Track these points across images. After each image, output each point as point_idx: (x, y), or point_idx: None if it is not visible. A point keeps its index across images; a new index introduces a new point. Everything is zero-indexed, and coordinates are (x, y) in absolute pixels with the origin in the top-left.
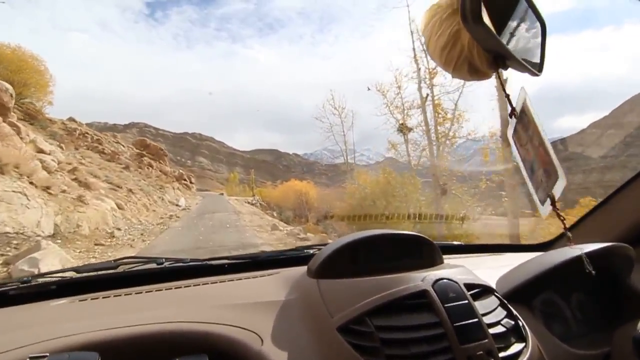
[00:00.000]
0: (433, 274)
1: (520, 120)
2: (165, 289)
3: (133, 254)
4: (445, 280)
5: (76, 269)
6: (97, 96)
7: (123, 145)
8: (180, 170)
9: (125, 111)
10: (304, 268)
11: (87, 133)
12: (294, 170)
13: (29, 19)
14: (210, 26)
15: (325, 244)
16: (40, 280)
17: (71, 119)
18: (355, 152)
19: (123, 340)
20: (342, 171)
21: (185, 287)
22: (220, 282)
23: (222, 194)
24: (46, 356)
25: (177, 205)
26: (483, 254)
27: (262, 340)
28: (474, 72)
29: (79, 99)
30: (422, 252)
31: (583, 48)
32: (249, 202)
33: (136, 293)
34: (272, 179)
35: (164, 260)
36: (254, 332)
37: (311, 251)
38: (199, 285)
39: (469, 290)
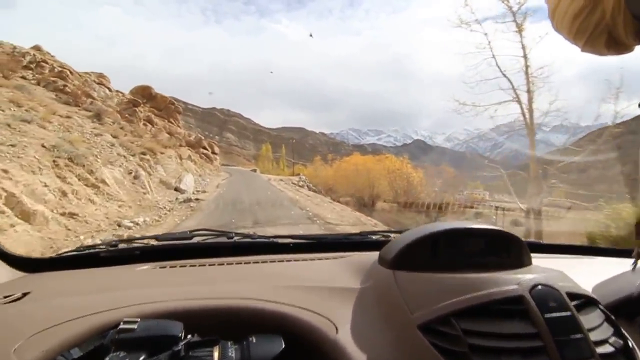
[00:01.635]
0: (529, 277)
1: None
2: (236, 263)
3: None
4: (543, 287)
5: (156, 237)
6: (127, 70)
7: (110, 90)
8: (200, 136)
9: (155, 85)
10: (372, 254)
11: (46, 62)
12: (320, 150)
13: None
14: (239, 0)
15: (394, 231)
16: (126, 245)
17: (37, 47)
18: (381, 132)
19: (203, 311)
20: (367, 152)
21: (254, 262)
22: (286, 260)
23: (254, 170)
24: (137, 321)
25: (177, 189)
26: (573, 256)
27: (336, 328)
28: (613, 45)
29: (109, 73)
30: (509, 250)
31: None
32: (294, 183)
33: (209, 265)
34: (298, 157)
35: (234, 234)
36: (328, 319)
37: (374, 237)
38: (267, 262)
39: (571, 300)
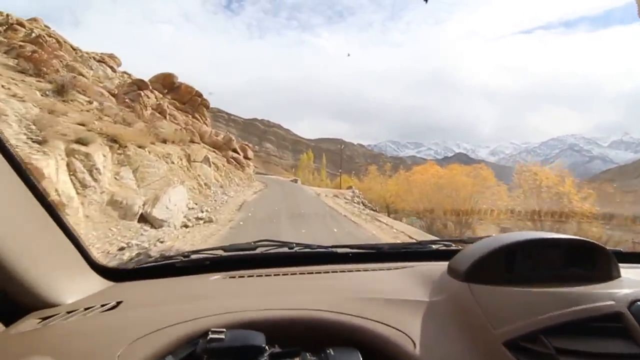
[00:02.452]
0: (626, 292)
1: None
2: (299, 273)
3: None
4: None
5: (223, 248)
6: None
7: (114, 70)
8: (231, 136)
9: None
10: (437, 265)
11: (23, 26)
12: (358, 161)
13: (126, 12)
14: (282, 15)
15: (456, 240)
16: (197, 256)
17: (34, 19)
18: (421, 145)
19: (281, 322)
20: (407, 164)
21: (316, 272)
22: (348, 271)
23: (295, 180)
24: (224, 331)
25: (146, 219)
26: None
27: (414, 343)
28: None
29: None
30: (594, 261)
31: None
32: (348, 199)
33: (274, 275)
34: (336, 168)
35: (294, 244)
36: (404, 333)
37: (434, 247)
38: (329, 272)
39: None
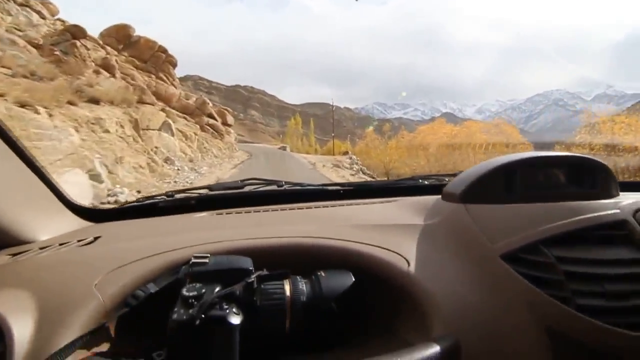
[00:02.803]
0: (631, 201)
1: None
2: (289, 209)
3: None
4: None
5: (209, 187)
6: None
7: (43, 17)
8: (206, 100)
9: (181, 64)
10: (431, 197)
11: None
12: (345, 125)
13: None
14: None
15: (450, 174)
16: (182, 195)
17: None
18: (408, 106)
19: (270, 249)
20: (394, 126)
21: (307, 208)
22: (340, 205)
23: (284, 147)
24: (208, 256)
25: None
26: None
27: (408, 262)
28: None
29: None
30: (595, 179)
31: None
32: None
33: (264, 211)
34: (323, 133)
35: (283, 182)
36: (398, 254)
37: (427, 182)
38: (320, 207)
39: None
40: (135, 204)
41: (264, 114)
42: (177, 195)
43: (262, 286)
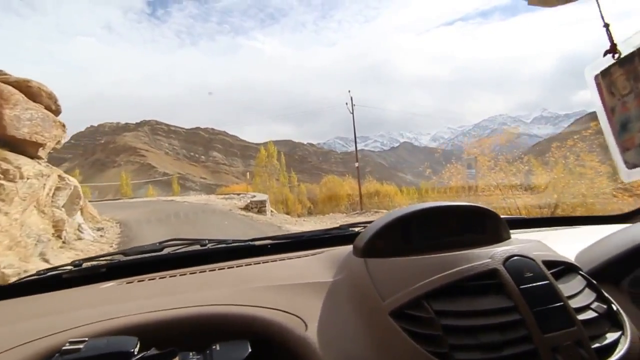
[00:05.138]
0: (503, 249)
1: (626, 63)
2: (209, 270)
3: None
4: (518, 257)
5: (124, 252)
6: (107, 98)
7: None
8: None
9: (136, 110)
10: (350, 247)
11: None
12: (310, 160)
13: (35, 27)
14: (212, 20)
15: (372, 221)
16: (91, 263)
17: None
18: (368, 138)
19: (161, 323)
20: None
21: (228, 268)
22: (263, 262)
23: (259, 202)
24: (85, 341)
25: None
26: (555, 227)
27: (306, 325)
28: None
29: (90, 102)
30: (485, 225)
31: None
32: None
33: (180, 275)
34: (288, 170)
35: (207, 241)
36: (297, 316)
37: (357, 229)
38: (242, 266)
39: (548, 269)
40: (34, 277)
41: (226, 154)
42: (85, 264)
43: None
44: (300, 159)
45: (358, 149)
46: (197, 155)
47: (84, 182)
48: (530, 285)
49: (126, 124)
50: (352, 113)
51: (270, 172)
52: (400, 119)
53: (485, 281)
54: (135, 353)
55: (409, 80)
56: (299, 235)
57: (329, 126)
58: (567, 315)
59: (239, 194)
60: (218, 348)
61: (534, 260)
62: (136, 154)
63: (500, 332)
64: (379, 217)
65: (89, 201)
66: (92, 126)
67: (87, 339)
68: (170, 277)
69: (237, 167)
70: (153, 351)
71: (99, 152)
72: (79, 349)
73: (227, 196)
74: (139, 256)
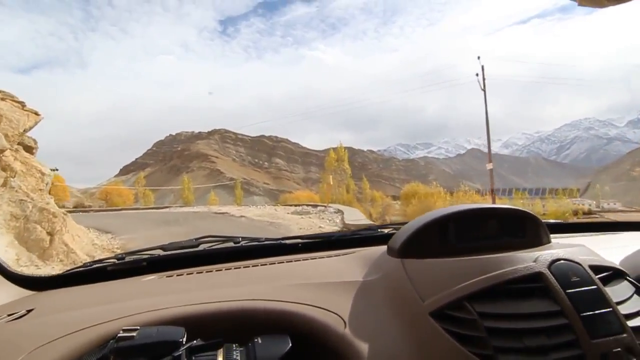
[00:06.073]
0: (547, 253)
1: None
2: (243, 267)
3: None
4: (564, 261)
5: (163, 247)
6: (183, 109)
7: None
8: None
9: (208, 120)
10: (381, 248)
11: None
12: (370, 167)
13: (126, 49)
14: (277, 34)
15: (405, 222)
16: (133, 257)
17: None
18: (431, 145)
19: (206, 315)
20: (420, 165)
21: (261, 265)
22: (295, 261)
23: (337, 210)
24: (137, 329)
25: None
26: (596, 233)
27: (345, 323)
28: None
29: (169, 113)
30: (525, 229)
31: None
32: None
33: (216, 270)
34: (354, 178)
35: (240, 239)
36: (336, 314)
37: (386, 230)
38: (275, 263)
39: (595, 274)
40: (82, 269)
41: (288, 161)
42: (128, 258)
43: (193, 358)
44: (360, 165)
45: (419, 156)
46: (260, 162)
47: (163, 186)
48: (577, 290)
49: (199, 132)
50: (484, 90)
51: (341, 177)
52: (467, 125)
53: (530, 284)
54: (184, 342)
55: (476, 83)
56: (328, 235)
57: (389, 132)
58: (616, 321)
59: (314, 206)
60: (260, 341)
61: (580, 264)
62: (207, 160)
63: (547, 336)
64: (415, 219)
65: (149, 207)
66: (170, 135)
67: (138, 327)
68: (207, 272)
69: (298, 173)
70: (199, 341)
71: (176, 158)
72: (133, 336)
73: (298, 208)
74: (177, 251)
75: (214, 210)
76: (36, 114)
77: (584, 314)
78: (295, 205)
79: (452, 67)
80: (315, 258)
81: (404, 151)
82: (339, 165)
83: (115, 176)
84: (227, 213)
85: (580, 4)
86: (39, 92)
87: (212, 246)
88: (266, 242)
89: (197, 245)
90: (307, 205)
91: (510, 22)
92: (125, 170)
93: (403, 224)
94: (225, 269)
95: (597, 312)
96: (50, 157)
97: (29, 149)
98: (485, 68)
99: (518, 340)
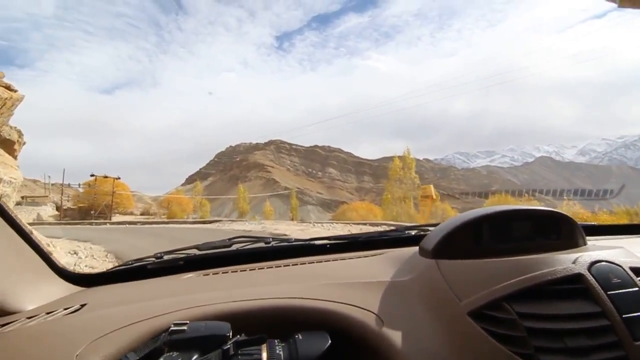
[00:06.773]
0: (587, 254)
1: None
2: (275, 267)
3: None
4: (604, 263)
5: (198, 247)
6: (242, 121)
7: None
8: None
9: (265, 131)
10: (412, 249)
11: None
12: (427, 177)
13: (192, 68)
14: (330, 46)
15: (433, 225)
16: (170, 256)
17: None
18: (494, 153)
19: (249, 312)
20: (482, 175)
21: (293, 265)
22: (325, 261)
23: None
24: (187, 323)
25: None
26: (632, 236)
27: (382, 322)
28: None
29: (229, 126)
30: (560, 231)
31: None
32: None
33: (250, 270)
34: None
35: (271, 239)
36: (373, 313)
37: (413, 232)
38: (305, 264)
39: (637, 276)
40: (124, 267)
41: (341, 170)
42: (166, 257)
43: (240, 353)
44: (416, 174)
45: (480, 165)
46: (314, 172)
47: (224, 194)
48: (618, 291)
49: (257, 143)
50: None
51: (408, 188)
52: (536, 130)
53: (569, 286)
54: (230, 337)
55: (547, 85)
56: (356, 236)
57: (446, 140)
58: None
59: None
60: (301, 337)
61: (620, 266)
62: (263, 170)
63: (588, 337)
64: (447, 220)
65: (196, 222)
66: (230, 146)
67: (188, 321)
68: (242, 271)
69: (351, 182)
70: (243, 337)
71: (235, 168)
72: (184, 330)
73: (371, 230)
74: (212, 251)
75: (269, 230)
76: (9, 88)
77: (626, 315)
78: (361, 224)
79: (517, 69)
80: (344, 259)
81: (463, 160)
82: (405, 174)
83: (182, 185)
84: (285, 235)
85: (620, 6)
86: (120, 110)
87: (244, 246)
88: (295, 243)
89: (230, 245)
90: (370, 224)
91: (583, 18)
92: (190, 180)
93: (431, 225)
94: (259, 268)
95: (639, 313)
96: (129, 168)
97: (9, 143)
98: (554, 69)
99: (558, 340)
